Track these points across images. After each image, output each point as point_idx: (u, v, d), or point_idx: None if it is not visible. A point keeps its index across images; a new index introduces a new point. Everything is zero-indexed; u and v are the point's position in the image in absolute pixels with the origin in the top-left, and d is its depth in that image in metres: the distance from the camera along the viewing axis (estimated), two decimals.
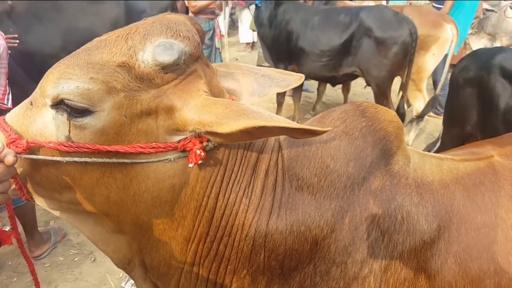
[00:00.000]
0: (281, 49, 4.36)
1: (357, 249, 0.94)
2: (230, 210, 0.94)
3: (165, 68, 0.82)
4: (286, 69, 4.48)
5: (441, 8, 5.34)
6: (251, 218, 0.94)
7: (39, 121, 0.87)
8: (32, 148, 0.85)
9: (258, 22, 4.63)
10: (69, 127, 0.83)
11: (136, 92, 0.83)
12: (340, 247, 0.94)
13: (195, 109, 0.84)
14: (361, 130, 0.99)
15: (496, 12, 5.76)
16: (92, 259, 2.78)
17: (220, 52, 4.49)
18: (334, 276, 0.94)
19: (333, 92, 5.95)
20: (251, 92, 1.08)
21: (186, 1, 4.23)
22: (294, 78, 1.14)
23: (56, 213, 1.01)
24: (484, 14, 5.74)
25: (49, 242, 2.82)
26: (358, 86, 6.07)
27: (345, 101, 5.34)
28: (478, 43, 5.79)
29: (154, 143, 0.86)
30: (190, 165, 0.86)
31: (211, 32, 4.14)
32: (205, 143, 0.87)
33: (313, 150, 0.97)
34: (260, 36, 4.71)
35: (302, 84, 5.04)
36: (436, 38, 4.11)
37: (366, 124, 1.00)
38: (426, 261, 0.95)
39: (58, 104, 0.83)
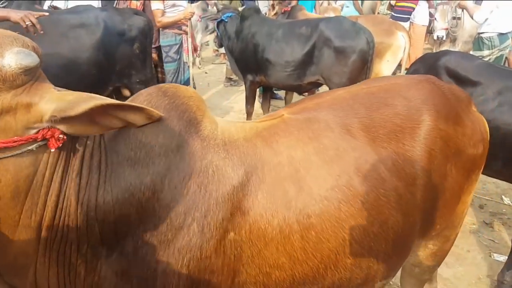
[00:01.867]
0: (248, 61, 4.60)
1: (179, 204, 1.11)
2: (69, 191, 1.06)
3: (27, 71, 0.95)
4: (254, 80, 4.72)
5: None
6: (82, 196, 1.07)
7: None
8: None
9: (226, 36, 4.85)
10: None
11: None
12: (163, 205, 1.10)
13: (51, 100, 0.98)
14: (165, 107, 1.16)
15: (459, 19, 6.30)
16: None
17: (188, 67, 4.68)
18: (162, 230, 1.10)
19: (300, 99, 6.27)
20: None
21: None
22: None
23: None
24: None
25: None
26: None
27: None
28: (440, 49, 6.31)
29: (15, 137, 0.95)
30: (52, 150, 0.99)
31: (177, 46, 4.31)
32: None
33: (126, 129, 1.11)
34: (228, 49, 4.93)
35: (272, 93, 5.32)
36: (389, 45, 4.51)
37: (168, 102, 1.18)
38: (239, 201, 1.16)
39: None
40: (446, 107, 1.50)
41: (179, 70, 4.30)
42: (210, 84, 7.48)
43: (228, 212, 1.14)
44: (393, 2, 7.04)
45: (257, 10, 4.86)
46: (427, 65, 3.36)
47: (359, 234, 1.26)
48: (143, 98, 1.20)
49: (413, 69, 3.48)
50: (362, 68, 4.11)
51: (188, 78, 4.67)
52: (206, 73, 8.24)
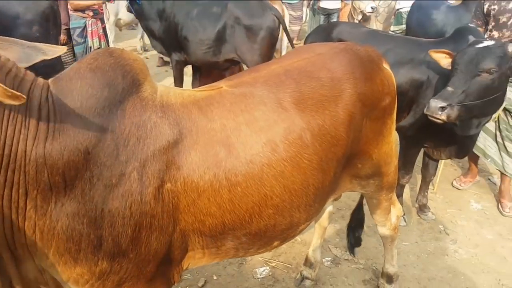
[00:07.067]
0: (172, 40, 4.66)
1: (121, 153, 1.25)
2: (11, 140, 1.13)
3: None
4: (179, 59, 4.77)
5: None
6: (31, 145, 1.16)
7: None
8: None
9: (142, 17, 4.87)
10: None
11: None
12: (107, 153, 1.23)
13: None
14: (111, 65, 1.30)
15: None
16: None
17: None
18: (107, 176, 1.23)
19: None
20: (18, 59, 1.27)
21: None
22: (60, 49, 1.41)
23: None
24: None
25: None
26: None
27: None
28: None
29: None
30: None
31: (80, 29, 4.40)
32: None
33: (74, 82, 1.25)
34: (147, 29, 4.96)
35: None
36: None
37: (114, 61, 1.32)
38: (174, 156, 1.32)
39: None
40: (363, 72, 1.75)
41: (85, 55, 4.37)
42: (149, 69, 7.46)
43: (164, 164, 1.30)
44: None
45: None
46: (321, 38, 3.60)
47: (280, 191, 1.48)
48: (91, 56, 1.33)
49: (309, 41, 3.72)
50: (273, 44, 4.32)
51: None
52: (147, 58, 8.23)
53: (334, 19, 7.45)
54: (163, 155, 1.31)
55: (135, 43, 8.75)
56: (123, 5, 5.90)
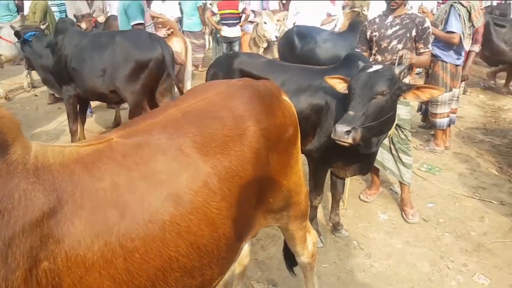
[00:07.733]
0: (62, 73, 4.45)
1: None
2: None
3: None
4: (71, 93, 4.51)
5: None
6: None
7: None
8: None
9: (35, 56, 4.74)
10: None
11: None
12: None
13: None
14: None
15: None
16: None
17: None
18: None
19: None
20: None
21: None
22: None
23: None
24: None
25: None
26: None
27: None
28: None
29: None
30: None
31: None
32: None
33: None
34: (42, 68, 4.77)
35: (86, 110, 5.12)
36: None
37: None
38: (51, 228, 1.10)
39: None
40: (263, 107, 1.70)
41: None
42: (39, 107, 6.81)
43: (38, 240, 1.07)
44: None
45: (72, 23, 4.79)
46: (223, 68, 3.57)
47: (186, 249, 1.31)
48: None
49: (212, 72, 3.67)
50: (159, 76, 4.33)
51: None
52: (36, 95, 7.48)
53: (235, 46, 7.65)
54: (36, 229, 1.08)
55: (21, 80, 7.93)
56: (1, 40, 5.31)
